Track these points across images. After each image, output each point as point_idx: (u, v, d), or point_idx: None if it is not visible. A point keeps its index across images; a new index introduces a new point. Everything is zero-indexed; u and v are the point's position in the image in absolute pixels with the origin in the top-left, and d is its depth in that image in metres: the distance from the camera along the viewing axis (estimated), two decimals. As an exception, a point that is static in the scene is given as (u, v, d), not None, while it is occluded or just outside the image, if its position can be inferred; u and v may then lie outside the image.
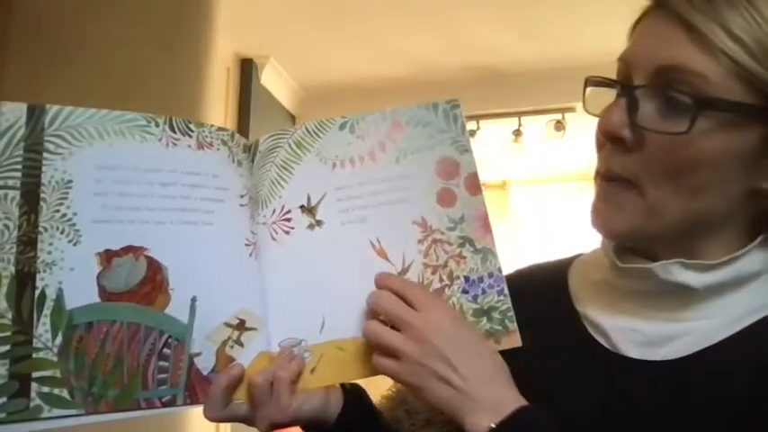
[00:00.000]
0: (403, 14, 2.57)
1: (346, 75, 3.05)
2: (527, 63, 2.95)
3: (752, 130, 0.52)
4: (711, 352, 0.54)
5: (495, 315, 0.60)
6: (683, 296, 0.56)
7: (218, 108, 2.63)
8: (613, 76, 0.58)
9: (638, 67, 0.54)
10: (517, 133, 3.38)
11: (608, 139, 0.56)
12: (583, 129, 3.27)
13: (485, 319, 0.60)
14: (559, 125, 3.20)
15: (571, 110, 3.12)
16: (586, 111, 0.59)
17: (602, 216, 0.58)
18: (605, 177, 0.57)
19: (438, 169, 0.63)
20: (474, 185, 0.62)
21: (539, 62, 2.92)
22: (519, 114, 3.29)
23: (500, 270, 0.61)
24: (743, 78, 0.50)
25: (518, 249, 3.93)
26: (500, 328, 0.60)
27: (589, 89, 0.59)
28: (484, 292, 0.60)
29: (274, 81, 3.07)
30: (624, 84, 0.55)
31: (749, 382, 0.52)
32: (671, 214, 0.54)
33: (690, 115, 0.50)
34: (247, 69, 2.91)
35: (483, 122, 3.35)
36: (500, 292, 0.60)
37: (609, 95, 0.57)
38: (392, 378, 0.56)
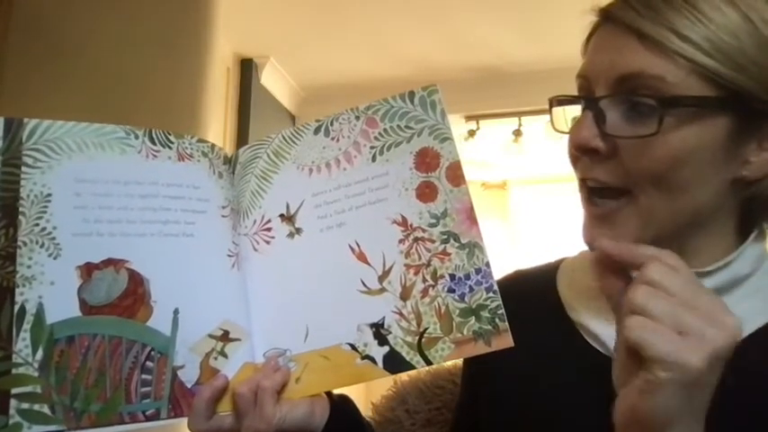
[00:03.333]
0: (403, 14, 2.57)
1: (346, 75, 3.04)
2: (527, 63, 2.94)
3: (719, 121, 0.52)
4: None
5: (485, 314, 0.57)
6: None
7: (218, 108, 2.62)
8: None
9: (598, 80, 0.55)
10: (517, 133, 3.37)
11: (582, 153, 0.56)
12: None
13: (473, 319, 0.58)
14: None
15: None
16: (555, 129, 0.60)
17: (596, 233, 0.56)
18: (593, 189, 0.57)
19: (417, 162, 0.61)
20: (456, 176, 0.60)
21: (539, 62, 2.92)
22: (519, 114, 3.27)
23: (488, 265, 0.58)
24: (700, 74, 0.51)
25: (518, 249, 3.90)
26: (490, 327, 0.57)
27: (555, 109, 0.61)
28: (471, 289, 0.58)
29: (274, 81, 3.06)
30: (587, 97, 0.56)
31: (762, 392, 0.51)
32: (663, 217, 0.54)
33: (656, 116, 0.51)
34: (247, 69, 2.90)
35: (483, 122, 3.34)
36: (489, 289, 0.58)
37: (574, 111, 0.58)
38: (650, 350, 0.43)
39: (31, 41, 1.39)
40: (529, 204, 4.15)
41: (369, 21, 2.63)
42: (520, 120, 3.33)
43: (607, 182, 0.55)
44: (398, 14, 2.58)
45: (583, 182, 0.58)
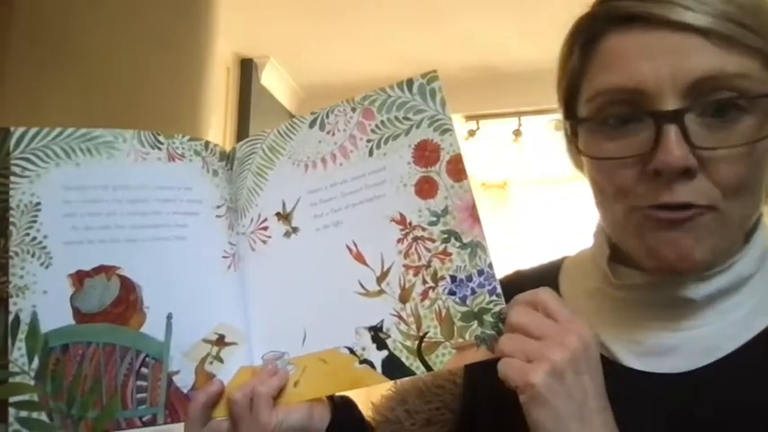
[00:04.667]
0: (403, 14, 2.54)
1: (346, 75, 3.02)
2: (527, 63, 2.88)
3: None
4: (726, 363, 0.51)
5: (488, 318, 0.54)
6: (682, 306, 0.53)
7: (219, 108, 2.63)
8: None
9: (662, 90, 0.49)
10: (517, 133, 3.32)
11: (676, 174, 0.49)
12: None
13: (475, 323, 0.54)
14: (559, 125, 3.04)
15: None
16: (588, 156, 0.54)
17: (680, 247, 0.50)
18: (673, 208, 0.50)
19: (415, 156, 0.57)
20: (457, 170, 0.55)
21: (539, 62, 2.82)
22: (519, 114, 3.23)
23: (491, 266, 0.54)
24: None
25: (518, 249, 3.87)
26: (492, 332, 0.53)
27: (582, 128, 0.56)
28: (473, 292, 0.54)
29: (274, 81, 3.06)
30: (658, 113, 0.49)
31: None
32: (737, 225, 0.52)
33: (751, 118, 0.48)
34: (247, 69, 2.89)
35: (483, 122, 3.31)
36: (492, 292, 0.54)
37: (603, 132, 0.53)
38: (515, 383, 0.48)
39: (32, 42, 1.41)
40: (528, 204, 4.09)
41: (369, 21, 2.59)
42: (520, 120, 3.27)
43: (695, 202, 0.49)
44: (398, 14, 2.54)
45: (652, 208, 0.50)
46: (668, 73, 0.48)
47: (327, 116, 0.60)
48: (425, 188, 0.56)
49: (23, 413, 0.52)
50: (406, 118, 0.57)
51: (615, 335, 0.56)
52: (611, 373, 0.50)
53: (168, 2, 1.56)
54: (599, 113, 0.53)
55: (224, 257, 0.59)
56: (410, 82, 0.58)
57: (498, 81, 3.07)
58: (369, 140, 0.58)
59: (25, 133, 0.56)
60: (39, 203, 0.55)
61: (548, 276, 0.64)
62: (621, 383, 0.51)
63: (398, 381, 0.84)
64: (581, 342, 0.47)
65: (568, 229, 3.68)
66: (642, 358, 0.55)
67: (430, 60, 2.90)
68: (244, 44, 2.80)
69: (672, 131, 0.48)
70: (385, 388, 0.72)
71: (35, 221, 0.55)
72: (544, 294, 0.51)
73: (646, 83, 0.49)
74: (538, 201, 4.14)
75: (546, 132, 3.20)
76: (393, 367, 0.55)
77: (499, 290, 0.54)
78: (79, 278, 0.55)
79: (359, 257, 0.57)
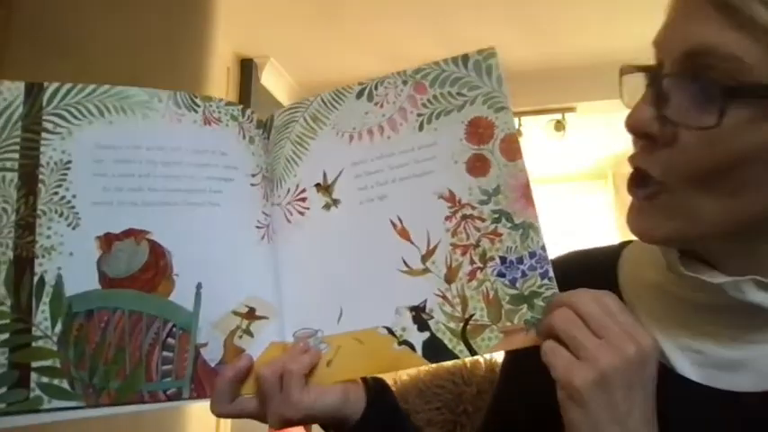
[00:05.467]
0: (403, 14, 2.52)
1: (346, 75, 2.97)
2: (527, 63, 2.83)
3: None
4: None
5: (538, 302, 0.50)
6: (754, 315, 0.47)
7: None
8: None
9: (666, 53, 0.46)
10: (517, 133, 3.22)
11: (636, 136, 0.48)
12: (583, 129, 3.16)
13: (525, 307, 0.51)
14: (559, 125, 3.08)
15: (571, 110, 3.02)
16: (625, 105, 0.50)
17: (638, 224, 0.50)
18: (634, 178, 0.50)
19: (468, 133, 0.54)
20: (512, 149, 0.54)
21: (539, 62, 2.82)
22: (519, 114, 3.16)
23: (544, 249, 0.52)
24: None
25: None
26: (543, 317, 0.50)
27: (625, 78, 0.51)
28: (524, 274, 0.51)
29: (274, 81, 3.04)
30: (653, 72, 0.47)
31: None
32: (710, 216, 0.46)
33: (741, 110, 0.42)
34: (247, 69, 2.87)
35: None
36: (544, 275, 0.51)
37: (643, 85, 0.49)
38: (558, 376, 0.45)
39: (32, 42, 1.40)
40: None
41: (369, 21, 2.57)
42: (520, 120, 3.21)
43: (648, 174, 0.47)
44: (399, 15, 2.51)
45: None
46: (677, 36, 0.45)
47: (376, 87, 0.57)
48: (477, 166, 0.54)
49: (45, 379, 0.50)
50: (459, 93, 0.55)
51: (675, 339, 0.51)
52: (664, 379, 0.46)
53: (168, 2, 1.56)
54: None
55: (258, 227, 0.56)
56: (465, 57, 0.56)
57: (498, 81, 3.08)
58: (419, 114, 0.56)
59: (59, 88, 0.53)
60: (69, 161, 0.53)
61: (606, 261, 0.59)
62: (674, 393, 0.47)
63: (399, 381, 0.81)
64: (639, 353, 0.43)
65: (568, 229, 3.64)
66: (702, 370, 0.50)
67: (430, 60, 2.86)
68: (244, 44, 2.79)
69: (648, 93, 0.46)
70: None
71: (64, 180, 0.52)
72: (611, 298, 0.47)
73: (661, 41, 0.47)
74: (538, 200, 4.08)
75: (546, 132, 3.16)
76: (434, 350, 0.52)
77: (551, 273, 0.51)
78: (107, 241, 0.52)
79: (403, 234, 0.54)
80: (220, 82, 2.66)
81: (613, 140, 3.43)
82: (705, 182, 0.45)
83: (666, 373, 0.49)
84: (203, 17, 1.64)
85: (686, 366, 0.50)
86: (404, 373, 0.79)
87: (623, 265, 0.58)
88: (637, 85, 0.48)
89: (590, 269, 0.58)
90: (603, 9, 2.38)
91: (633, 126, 0.47)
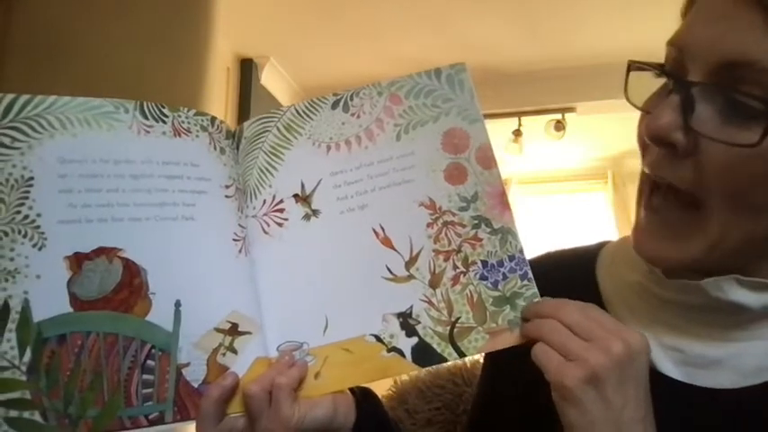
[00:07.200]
0: (403, 14, 2.54)
1: (346, 75, 3.01)
2: (527, 63, 2.91)
3: None
4: None
5: (520, 302, 0.52)
6: (734, 314, 0.49)
7: (219, 108, 2.60)
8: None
9: (695, 58, 0.44)
10: (517, 133, 3.34)
11: (656, 144, 0.46)
12: (583, 129, 3.27)
13: (507, 308, 0.53)
14: (559, 125, 3.16)
15: (571, 110, 3.09)
16: (629, 101, 0.49)
17: (652, 242, 0.49)
18: (657, 187, 0.48)
19: (445, 143, 0.56)
20: (486, 158, 0.55)
21: (539, 62, 2.89)
22: (519, 114, 3.25)
23: (522, 252, 0.54)
24: None
25: None
26: None
27: (632, 74, 0.50)
28: (505, 277, 0.53)
29: (274, 81, 3.03)
30: (678, 78, 0.45)
31: None
32: (736, 241, 0.46)
33: (762, 124, 0.41)
34: (247, 69, 2.87)
35: None
36: (523, 277, 0.53)
37: (653, 83, 0.49)
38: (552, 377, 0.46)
39: (32, 42, 1.36)
40: (528, 204, 4.13)
41: (369, 21, 2.59)
42: (520, 120, 3.30)
43: (675, 184, 0.46)
44: (398, 14, 2.54)
45: (647, 175, 0.49)
46: (708, 43, 0.43)
47: (351, 98, 0.57)
48: (455, 174, 0.55)
49: (13, 413, 0.46)
50: (434, 105, 0.57)
51: (655, 338, 0.52)
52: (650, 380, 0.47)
53: (168, 2, 1.53)
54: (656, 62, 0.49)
55: (235, 240, 0.55)
56: (438, 71, 0.57)
57: (498, 81, 3.07)
58: (396, 125, 0.57)
59: (15, 100, 0.50)
60: (31, 178, 0.49)
61: (584, 262, 0.61)
62: (657, 391, 0.48)
63: (399, 381, 0.81)
64: (626, 350, 0.44)
65: (568, 229, 3.69)
66: (683, 368, 0.51)
67: (430, 61, 2.88)
68: (244, 44, 2.76)
69: (673, 100, 0.44)
70: (385, 388, 0.70)
71: (26, 198, 0.49)
72: (594, 308, 0.48)
73: (687, 45, 0.45)
74: (537, 200, 4.13)
75: (546, 132, 3.18)
76: (424, 354, 0.52)
77: (530, 275, 0.53)
78: (77, 261, 0.49)
79: (386, 242, 0.54)
80: (220, 82, 2.60)
81: (613, 140, 3.48)
82: (731, 199, 0.44)
83: (652, 373, 0.50)
84: (203, 17, 1.60)
85: (668, 365, 0.52)
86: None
87: (602, 264, 0.60)
88: (644, 84, 0.48)
89: (568, 268, 0.60)
90: (604, 9, 2.39)
91: (657, 133, 0.45)
